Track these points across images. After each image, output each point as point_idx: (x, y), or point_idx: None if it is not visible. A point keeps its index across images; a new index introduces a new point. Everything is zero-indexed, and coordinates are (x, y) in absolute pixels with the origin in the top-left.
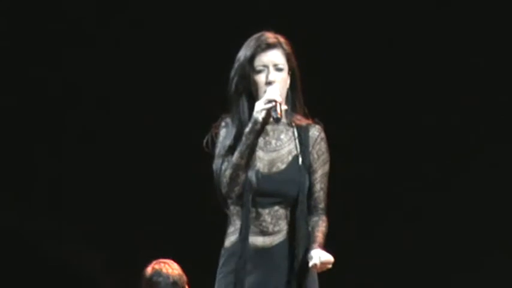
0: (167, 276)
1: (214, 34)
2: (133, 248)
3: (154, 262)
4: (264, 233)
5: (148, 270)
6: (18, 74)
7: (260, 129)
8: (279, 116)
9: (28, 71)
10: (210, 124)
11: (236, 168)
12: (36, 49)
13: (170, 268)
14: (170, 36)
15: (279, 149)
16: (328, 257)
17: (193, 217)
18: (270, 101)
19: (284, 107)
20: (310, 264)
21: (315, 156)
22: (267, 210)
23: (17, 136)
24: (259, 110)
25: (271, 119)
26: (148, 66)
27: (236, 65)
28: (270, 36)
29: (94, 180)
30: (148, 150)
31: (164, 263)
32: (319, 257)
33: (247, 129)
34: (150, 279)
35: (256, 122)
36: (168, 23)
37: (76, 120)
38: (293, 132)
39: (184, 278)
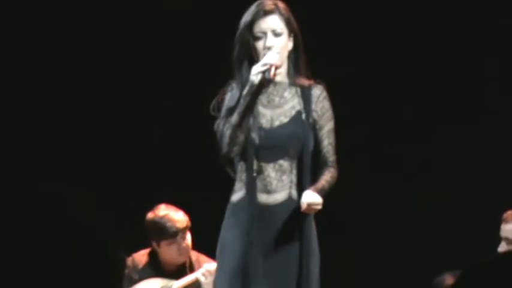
0: (171, 217)
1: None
2: (141, 206)
3: (156, 207)
4: (267, 190)
5: (152, 213)
6: None
7: (257, 92)
8: (271, 77)
9: None
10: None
11: (235, 129)
12: None
13: (173, 210)
14: None
15: (282, 104)
16: (315, 199)
17: (200, 173)
18: (265, 64)
19: (280, 70)
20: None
21: (319, 113)
22: (271, 165)
23: None
24: (255, 73)
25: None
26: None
27: (238, 32)
28: (268, 3)
29: (100, 137)
30: (155, 103)
31: (166, 205)
32: (307, 197)
33: (244, 92)
34: (155, 221)
35: (252, 84)
36: None
37: None
38: (296, 91)
39: (188, 220)
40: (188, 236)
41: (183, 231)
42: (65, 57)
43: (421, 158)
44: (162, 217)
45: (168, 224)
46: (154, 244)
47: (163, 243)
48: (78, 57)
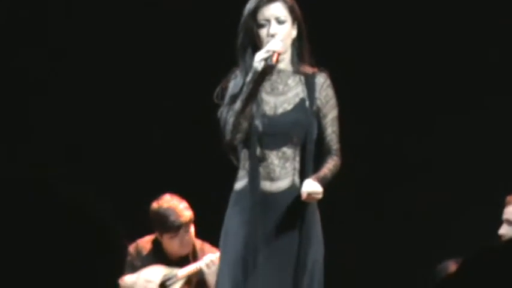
0: (175, 203)
1: None
2: (144, 193)
3: (160, 197)
4: (270, 177)
5: (156, 204)
6: None
7: (260, 79)
8: (273, 63)
9: None
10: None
11: (238, 116)
12: None
13: (175, 198)
14: None
15: (286, 92)
16: (315, 188)
17: (203, 160)
18: (268, 51)
19: (284, 57)
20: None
21: (323, 101)
22: (274, 152)
23: None
24: (259, 60)
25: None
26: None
27: (242, 19)
28: None
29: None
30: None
31: (169, 195)
32: (307, 186)
33: (248, 79)
34: (159, 213)
35: (255, 71)
36: None
37: None
38: (300, 79)
39: (191, 213)
40: (191, 229)
41: (186, 225)
42: (65, 57)
43: (422, 157)
44: (166, 210)
45: (171, 218)
46: (157, 234)
47: (165, 236)
48: (78, 57)
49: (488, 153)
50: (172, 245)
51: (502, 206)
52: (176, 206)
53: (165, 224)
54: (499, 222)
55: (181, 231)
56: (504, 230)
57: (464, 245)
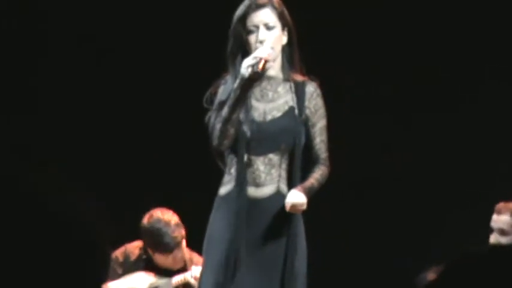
0: (167, 223)
1: None
2: (132, 199)
3: (151, 211)
4: (256, 183)
5: (147, 219)
6: None
7: (247, 85)
8: (258, 70)
9: None
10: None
11: (225, 122)
12: None
13: (168, 214)
14: None
15: (275, 99)
16: (299, 199)
17: (188, 167)
18: (255, 58)
19: (272, 64)
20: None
21: (312, 110)
22: (261, 158)
23: None
24: (245, 66)
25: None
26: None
27: (231, 25)
28: None
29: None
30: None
31: (161, 210)
32: (291, 197)
33: (235, 85)
34: (151, 227)
35: (242, 78)
36: None
37: None
38: (290, 86)
39: (183, 229)
40: (183, 245)
41: (179, 243)
42: (52, 62)
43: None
44: (159, 230)
45: (165, 240)
46: (148, 250)
47: (158, 254)
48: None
49: (470, 156)
50: (164, 261)
51: (485, 211)
52: (169, 224)
53: (158, 244)
54: (486, 229)
55: (175, 250)
56: (495, 239)
57: (446, 252)
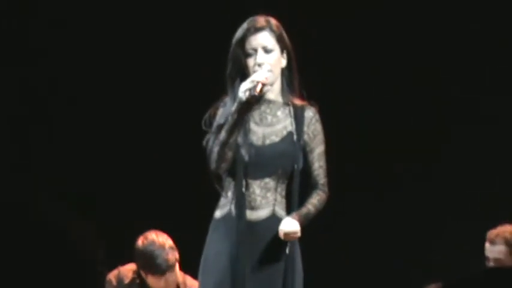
0: (161, 245)
1: None
2: (126, 219)
3: (144, 233)
4: (251, 206)
5: (141, 241)
6: None
7: (244, 109)
8: (256, 93)
9: None
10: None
11: (223, 146)
12: None
13: (162, 237)
14: None
15: (274, 124)
16: (291, 228)
17: (185, 190)
18: (252, 81)
19: (270, 87)
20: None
21: (311, 135)
22: (257, 182)
23: None
24: (243, 90)
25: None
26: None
27: (230, 49)
28: (260, 20)
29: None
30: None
31: (155, 233)
32: (285, 226)
33: (233, 108)
34: (145, 249)
35: (240, 101)
36: None
37: None
38: (289, 111)
39: (177, 253)
40: (176, 268)
41: (172, 267)
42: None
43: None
44: (152, 252)
45: (158, 262)
46: (141, 272)
47: (150, 276)
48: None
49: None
50: (157, 284)
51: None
52: (162, 247)
53: (151, 266)
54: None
55: (168, 273)
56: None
57: (444, 266)
